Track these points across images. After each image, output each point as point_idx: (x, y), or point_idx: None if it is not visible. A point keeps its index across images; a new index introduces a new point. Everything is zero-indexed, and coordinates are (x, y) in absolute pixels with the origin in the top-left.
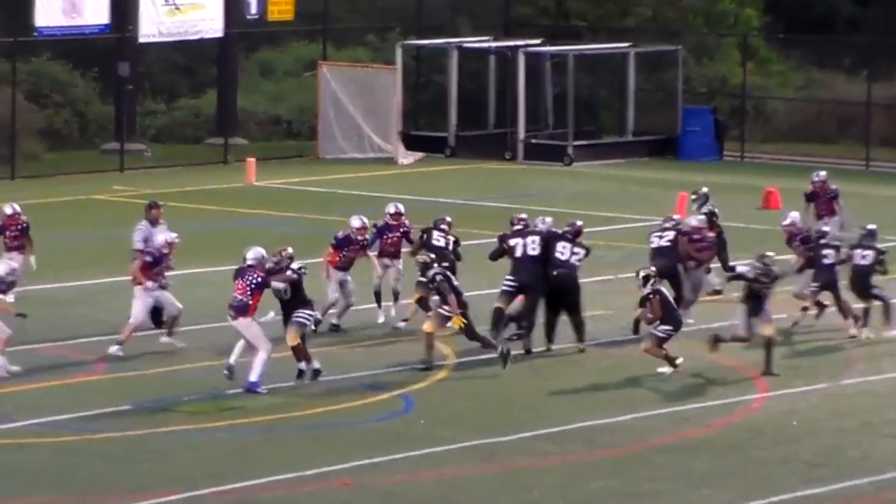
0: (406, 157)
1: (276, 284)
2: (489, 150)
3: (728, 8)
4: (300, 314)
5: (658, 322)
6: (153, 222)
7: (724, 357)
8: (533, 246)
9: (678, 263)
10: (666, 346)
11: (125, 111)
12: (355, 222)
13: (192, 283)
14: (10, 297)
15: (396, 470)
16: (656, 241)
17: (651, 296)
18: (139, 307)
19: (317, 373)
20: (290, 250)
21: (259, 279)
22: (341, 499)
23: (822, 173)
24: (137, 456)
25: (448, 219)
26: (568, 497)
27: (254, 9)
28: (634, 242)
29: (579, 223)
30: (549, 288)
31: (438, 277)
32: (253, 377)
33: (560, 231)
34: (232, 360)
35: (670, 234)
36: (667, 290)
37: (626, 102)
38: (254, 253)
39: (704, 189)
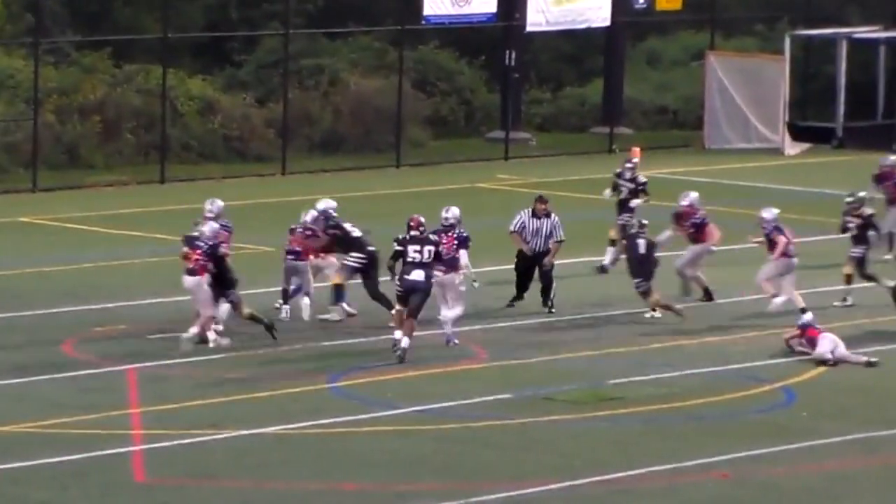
0: (792, 148)
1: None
2: (877, 141)
3: None
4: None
5: None
6: (535, 214)
7: None
8: None
9: None
10: None
11: (511, 100)
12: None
13: (573, 271)
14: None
15: (777, 462)
16: None
17: None
18: None
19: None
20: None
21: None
22: (720, 491)
23: (893, 157)
24: (519, 444)
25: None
26: None
27: None
28: None
29: None
30: None
31: None
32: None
33: None
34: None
35: None
36: None
37: None
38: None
39: (862, 193)
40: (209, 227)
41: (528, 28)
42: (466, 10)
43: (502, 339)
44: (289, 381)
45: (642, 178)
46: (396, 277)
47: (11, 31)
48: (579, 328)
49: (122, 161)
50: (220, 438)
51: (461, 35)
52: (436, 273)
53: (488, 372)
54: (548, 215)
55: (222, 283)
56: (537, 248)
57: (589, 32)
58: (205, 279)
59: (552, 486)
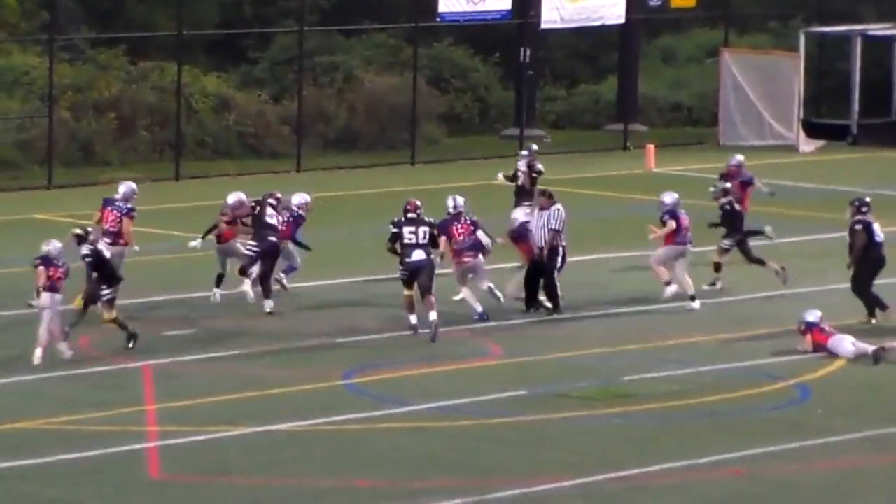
0: (807, 145)
1: None
2: (892, 138)
3: None
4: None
5: None
6: (541, 208)
7: None
8: None
9: None
10: None
11: (526, 97)
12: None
13: (587, 268)
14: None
15: (791, 459)
16: None
17: None
18: None
19: None
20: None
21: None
22: (734, 487)
23: (739, 157)
24: (533, 441)
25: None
26: None
27: None
28: None
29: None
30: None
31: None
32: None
33: None
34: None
35: None
36: None
37: None
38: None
39: (728, 184)
40: (53, 247)
41: (543, 25)
42: (481, 7)
43: (516, 335)
44: (302, 377)
45: (539, 166)
46: (398, 261)
47: (26, 29)
48: (593, 325)
49: (136, 158)
50: (234, 435)
51: (476, 32)
52: (464, 259)
53: (502, 369)
54: (550, 207)
55: (105, 279)
56: (543, 242)
57: (603, 29)
58: (60, 296)
59: (566, 483)
